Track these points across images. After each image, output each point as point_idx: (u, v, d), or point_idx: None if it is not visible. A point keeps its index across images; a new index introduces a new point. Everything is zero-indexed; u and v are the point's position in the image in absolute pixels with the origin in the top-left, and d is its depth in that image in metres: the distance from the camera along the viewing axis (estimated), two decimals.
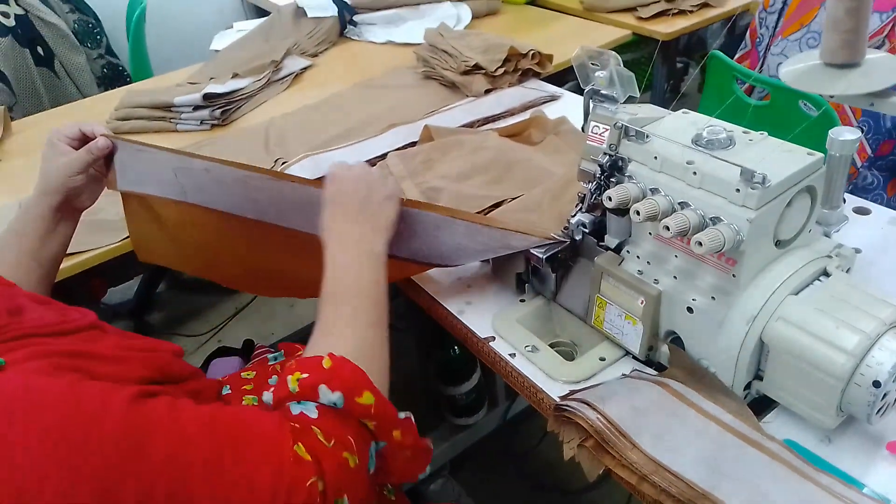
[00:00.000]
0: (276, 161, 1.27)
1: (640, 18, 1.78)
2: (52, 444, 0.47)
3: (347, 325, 0.68)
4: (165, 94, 1.46)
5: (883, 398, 0.60)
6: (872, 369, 0.59)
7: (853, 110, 1.30)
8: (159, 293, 2.35)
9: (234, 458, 0.52)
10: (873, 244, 0.88)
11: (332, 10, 1.85)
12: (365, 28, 1.89)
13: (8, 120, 1.52)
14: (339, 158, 1.23)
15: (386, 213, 0.79)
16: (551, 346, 0.82)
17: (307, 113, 1.46)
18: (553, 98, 1.40)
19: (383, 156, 1.20)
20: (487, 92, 1.43)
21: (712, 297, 0.67)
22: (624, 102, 0.76)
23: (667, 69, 1.89)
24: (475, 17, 1.91)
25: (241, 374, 1.01)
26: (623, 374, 0.75)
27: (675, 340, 0.73)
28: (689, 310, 0.69)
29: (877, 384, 0.59)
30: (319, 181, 0.82)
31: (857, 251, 0.84)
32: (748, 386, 0.69)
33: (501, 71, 1.43)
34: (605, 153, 0.73)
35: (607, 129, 0.73)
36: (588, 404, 0.67)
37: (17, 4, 1.97)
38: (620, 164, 0.72)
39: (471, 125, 1.32)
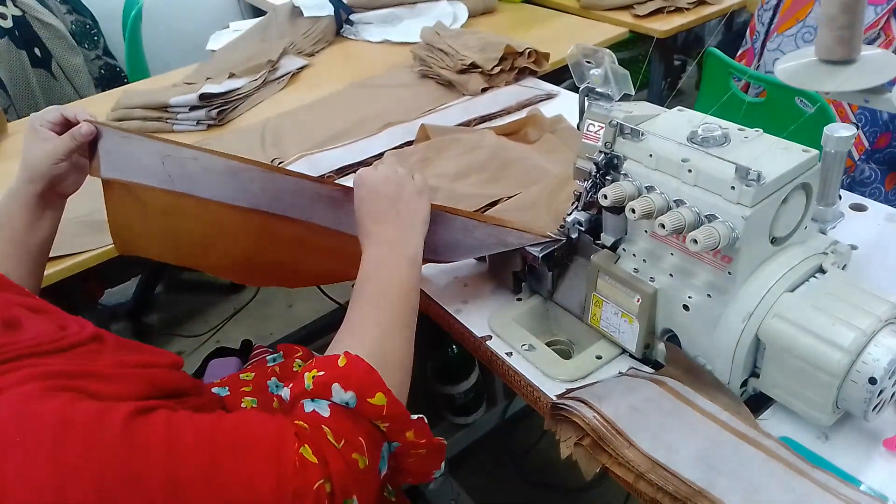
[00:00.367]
0: (272, 161, 1.27)
1: (637, 16, 1.78)
2: (47, 469, 0.47)
3: (372, 325, 0.67)
4: (162, 94, 1.46)
5: (879, 395, 0.60)
6: (868, 366, 0.59)
7: (849, 104, 1.30)
8: (157, 294, 2.35)
9: (235, 467, 0.51)
10: (869, 241, 0.88)
11: (329, 10, 1.85)
12: (361, 27, 1.89)
13: (3, 121, 1.52)
14: (336, 158, 1.23)
15: (417, 209, 0.79)
16: (548, 344, 0.82)
17: (304, 112, 1.46)
18: (549, 96, 1.40)
19: (380, 155, 1.20)
20: (484, 90, 1.42)
21: (708, 295, 0.67)
22: (619, 100, 0.76)
23: (664, 67, 1.89)
24: (472, 15, 1.90)
25: (240, 375, 1.00)
26: (620, 373, 0.75)
27: (672, 338, 0.73)
28: (686, 307, 0.69)
29: (873, 381, 0.59)
30: (327, 180, 0.81)
31: (854, 248, 0.84)
32: (745, 383, 0.69)
33: (498, 69, 1.43)
34: (600, 151, 0.73)
35: (602, 127, 0.73)
36: (585, 403, 0.67)
37: (15, 6, 1.97)
38: (616, 161, 0.72)
39: (467, 124, 1.32)
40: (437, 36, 1.55)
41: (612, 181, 0.72)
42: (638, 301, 0.72)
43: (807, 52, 0.78)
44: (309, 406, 0.59)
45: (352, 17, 1.89)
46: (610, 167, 0.73)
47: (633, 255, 0.74)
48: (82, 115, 0.84)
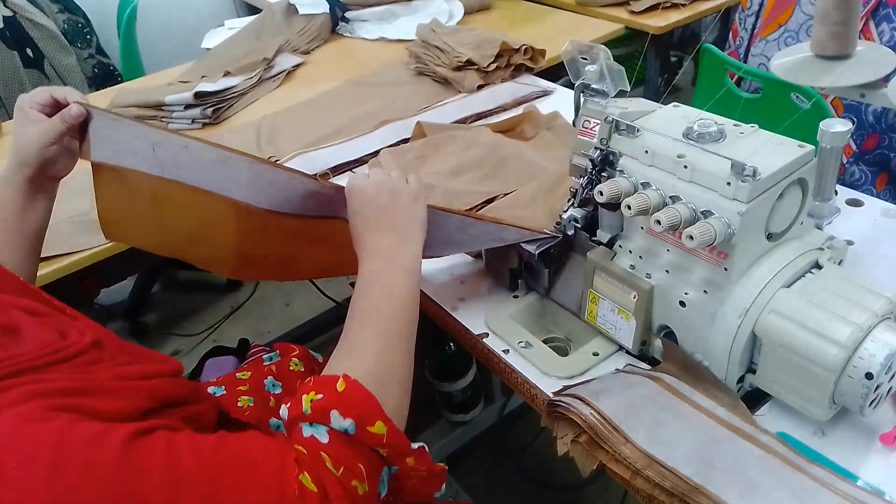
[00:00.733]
0: (268, 159, 1.26)
1: (633, 12, 1.78)
2: (45, 493, 0.46)
3: (371, 343, 0.66)
4: (156, 93, 1.46)
5: (876, 390, 0.60)
6: (865, 361, 0.59)
7: (835, 106, 1.29)
8: (154, 293, 2.34)
9: (235, 493, 0.51)
10: (866, 236, 0.88)
11: (324, 7, 1.85)
12: (357, 25, 1.89)
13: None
14: (332, 156, 1.23)
15: (413, 216, 0.76)
16: (545, 341, 0.82)
17: (299, 110, 1.45)
18: (546, 93, 1.39)
19: (376, 153, 1.20)
20: (480, 88, 1.42)
21: (704, 291, 0.67)
22: (615, 96, 0.76)
23: (660, 63, 1.89)
24: (467, 12, 1.90)
25: (236, 374, 1.00)
26: (616, 369, 0.75)
27: (668, 335, 0.73)
28: (682, 304, 0.69)
29: (869, 376, 0.59)
30: (319, 179, 0.80)
31: (850, 243, 0.84)
32: (741, 379, 0.69)
33: (494, 66, 1.43)
34: (596, 148, 0.73)
35: (598, 124, 0.73)
36: (582, 399, 0.67)
37: (6, 6, 1.96)
38: (611, 158, 0.72)
39: (463, 121, 1.31)
40: (433, 33, 1.55)
41: (608, 178, 0.72)
42: (634, 298, 0.72)
43: (802, 48, 0.78)
44: (307, 430, 0.58)
45: (347, 14, 1.89)
46: (606, 164, 0.73)
47: (630, 251, 0.73)
48: (72, 96, 0.81)
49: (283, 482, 0.53)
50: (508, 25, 1.83)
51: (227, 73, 1.56)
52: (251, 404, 0.94)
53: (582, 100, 0.78)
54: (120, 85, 1.79)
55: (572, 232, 0.80)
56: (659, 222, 0.63)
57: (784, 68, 0.79)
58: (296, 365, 1.03)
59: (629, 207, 0.65)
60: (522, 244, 0.81)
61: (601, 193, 0.69)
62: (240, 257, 0.90)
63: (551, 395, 0.71)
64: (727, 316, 0.65)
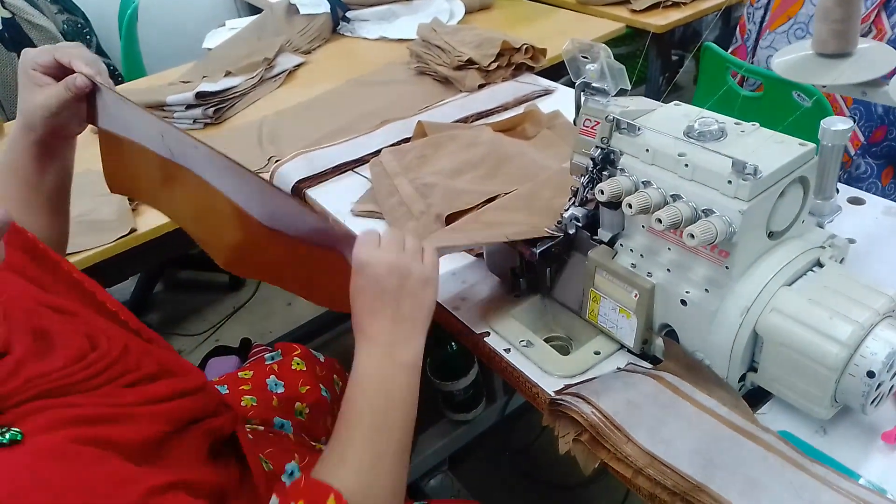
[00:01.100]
0: (269, 159, 1.27)
1: (634, 11, 1.78)
2: None
3: (364, 448, 0.63)
4: (157, 93, 1.46)
5: (877, 388, 0.60)
6: (866, 359, 0.59)
7: (844, 98, 1.30)
8: (156, 293, 2.35)
9: None
10: (867, 234, 0.87)
11: (325, 7, 1.85)
12: (358, 24, 1.89)
13: (0, 122, 1.52)
14: (333, 155, 1.23)
15: (421, 304, 0.69)
16: (546, 340, 0.82)
17: (300, 110, 1.45)
18: (547, 92, 1.39)
19: (377, 152, 1.20)
20: (481, 87, 1.42)
21: (706, 290, 0.67)
22: (615, 95, 0.76)
23: (661, 62, 1.89)
24: (468, 11, 1.90)
25: (239, 374, 1.01)
26: (618, 368, 0.75)
27: (670, 333, 0.73)
28: (683, 302, 0.69)
29: (871, 374, 0.59)
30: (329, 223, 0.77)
31: (851, 241, 0.84)
32: (743, 378, 0.69)
33: (495, 66, 1.43)
34: (596, 146, 0.73)
35: (599, 123, 0.72)
36: (583, 398, 0.67)
37: (4, 8, 1.96)
38: (612, 157, 0.72)
39: (464, 120, 1.31)
40: (434, 32, 1.55)
41: (609, 176, 0.72)
42: (635, 296, 0.72)
43: (803, 46, 0.77)
44: None
45: (348, 14, 1.89)
46: (606, 162, 0.73)
47: (631, 250, 0.73)
48: (78, 64, 0.76)
49: None
50: (509, 24, 1.83)
51: (228, 73, 1.56)
52: (254, 403, 0.95)
53: (583, 99, 0.77)
54: (121, 85, 1.80)
55: (573, 231, 0.80)
56: (660, 221, 0.63)
57: (785, 66, 0.79)
58: (298, 364, 1.04)
59: (630, 206, 0.65)
60: (523, 243, 0.81)
61: (602, 192, 0.69)
62: (235, 254, 0.89)
63: (553, 394, 0.71)
64: (728, 314, 0.65)
